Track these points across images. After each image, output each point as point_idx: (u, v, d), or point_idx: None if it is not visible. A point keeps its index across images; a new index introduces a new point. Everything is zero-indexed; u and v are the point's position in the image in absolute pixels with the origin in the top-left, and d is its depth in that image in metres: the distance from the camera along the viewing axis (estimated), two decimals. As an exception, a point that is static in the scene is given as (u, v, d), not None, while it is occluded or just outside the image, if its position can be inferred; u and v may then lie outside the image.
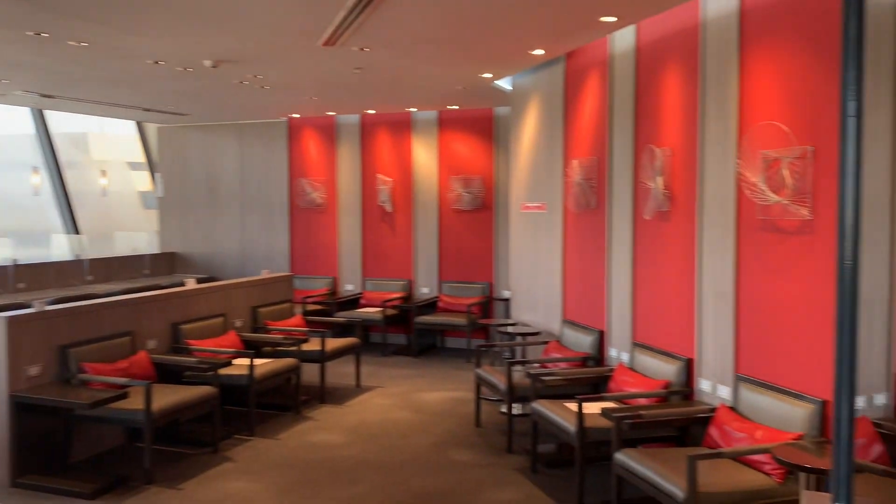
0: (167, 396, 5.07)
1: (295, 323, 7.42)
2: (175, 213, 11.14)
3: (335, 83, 7.47)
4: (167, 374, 5.70)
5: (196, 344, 6.17)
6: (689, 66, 4.84)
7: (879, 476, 3.31)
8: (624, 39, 5.61)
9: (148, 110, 9.45)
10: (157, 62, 6.41)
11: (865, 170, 3.73)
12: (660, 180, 5.11)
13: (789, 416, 3.85)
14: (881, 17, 3.74)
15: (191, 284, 6.82)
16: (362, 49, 5.82)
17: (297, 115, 10.08)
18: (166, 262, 11.03)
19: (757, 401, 4.12)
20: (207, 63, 6.37)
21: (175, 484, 4.84)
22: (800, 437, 3.68)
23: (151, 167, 12.01)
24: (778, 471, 3.64)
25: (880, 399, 3.86)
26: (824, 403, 3.71)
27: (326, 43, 5.58)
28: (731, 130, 4.42)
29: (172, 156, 11.11)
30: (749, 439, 3.89)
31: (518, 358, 6.64)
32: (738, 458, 3.82)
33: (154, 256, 10.92)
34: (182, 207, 11.08)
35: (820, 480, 3.37)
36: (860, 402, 3.80)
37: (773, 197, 4.02)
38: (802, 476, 3.23)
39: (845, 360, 1.74)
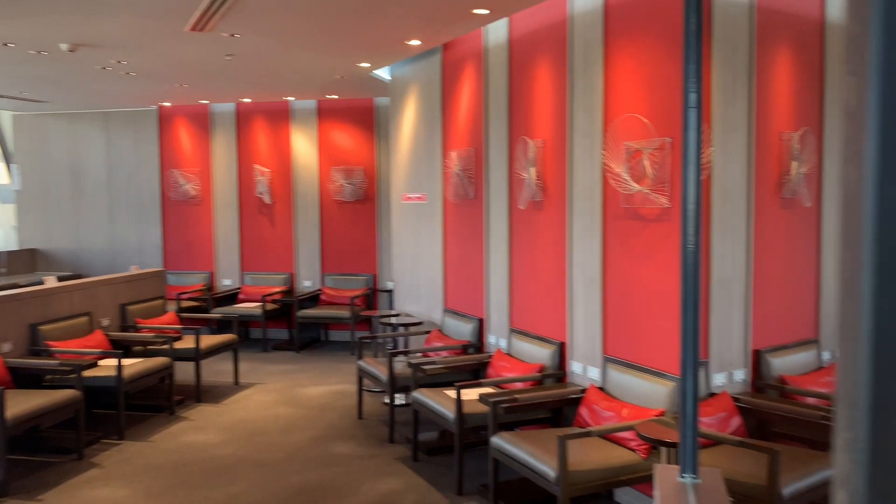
0: (23, 402, 4.74)
1: (168, 320, 7.12)
2: (35, 208, 10.42)
3: (206, 70, 7.19)
4: (26, 379, 5.33)
5: (58, 345, 5.80)
6: (559, 59, 4.99)
7: (735, 447, 3.55)
8: (497, 32, 5.71)
9: (0, 96, 8.76)
10: (5, 44, 5.95)
11: (724, 158, 3.98)
12: (533, 171, 5.24)
13: (652, 393, 4.06)
14: (737, 16, 3.99)
15: (51, 282, 6.39)
16: (232, 35, 5.63)
17: (168, 104, 9.64)
18: (26, 260, 10.30)
19: (623, 380, 4.32)
20: (64, 47, 5.97)
21: (33, 495, 4.54)
22: (662, 414, 3.89)
23: (7, 158, 11.16)
24: (643, 446, 3.84)
25: (739, 375, 4.14)
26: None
27: (194, 28, 5.36)
28: (597, 122, 4.59)
29: (31, 146, 10.37)
30: (616, 417, 4.08)
31: (401, 348, 6.67)
32: (606, 435, 4.00)
33: (11, 254, 10.17)
34: (43, 201, 10.37)
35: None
36: (721, 378, 4.06)
37: (636, 186, 4.22)
38: (663, 450, 3.41)
39: (689, 340, 1.84)
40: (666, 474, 1.89)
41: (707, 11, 3.90)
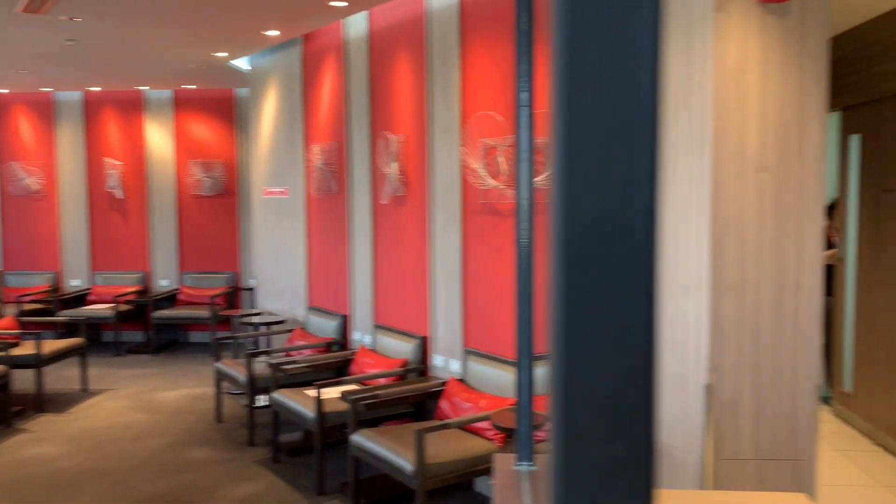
0: None
1: (5, 325, 6.57)
2: None
3: (46, 56, 6.68)
4: None
5: None
6: (418, 54, 5.01)
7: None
8: (357, 25, 5.66)
9: None
10: None
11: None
12: (395, 166, 5.24)
13: (509, 383, 4.16)
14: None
15: None
16: (72, 19, 5.26)
17: (6, 91, 8.89)
18: None
19: (482, 372, 4.40)
20: None
21: None
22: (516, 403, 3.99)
23: None
24: (498, 436, 3.93)
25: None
26: (537, 370, 4.06)
27: (27, 9, 4.95)
28: (455, 119, 4.65)
29: None
30: (475, 408, 4.15)
31: (263, 348, 6.49)
32: (466, 426, 4.06)
33: None
34: None
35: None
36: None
37: (491, 182, 4.31)
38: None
39: (524, 331, 1.89)
40: (503, 463, 1.93)
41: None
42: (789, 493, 2.22)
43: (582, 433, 0.38)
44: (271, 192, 7.12)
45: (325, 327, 6.04)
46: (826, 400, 5.97)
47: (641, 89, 0.36)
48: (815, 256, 2.97)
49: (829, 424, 5.50)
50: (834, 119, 5.82)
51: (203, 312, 8.25)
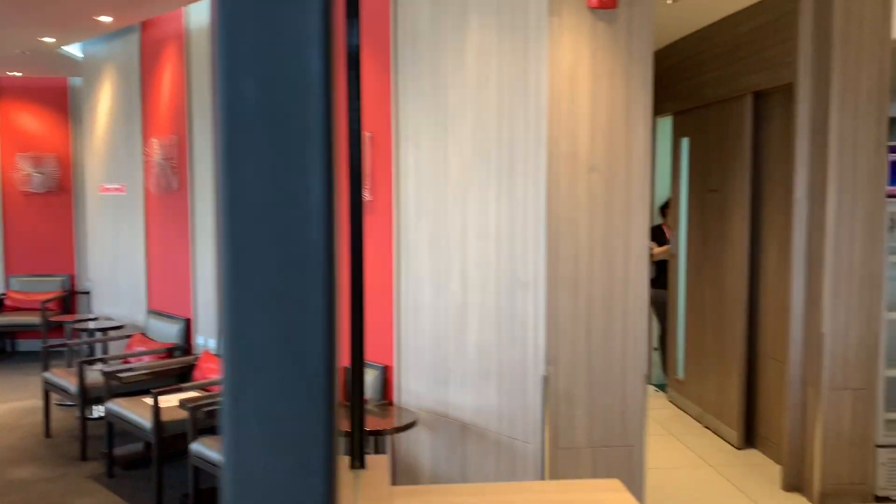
0: None
1: None
2: None
3: None
4: None
5: None
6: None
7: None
8: (199, 13, 5.40)
9: None
10: None
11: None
12: (240, 162, 5.04)
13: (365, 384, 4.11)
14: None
15: None
16: None
17: None
18: None
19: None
20: None
21: None
22: (366, 402, 3.95)
23: None
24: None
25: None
26: (386, 368, 4.04)
27: None
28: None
29: None
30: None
31: (100, 355, 6.07)
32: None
33: None
34: None
35: (378, 441, 3.68)
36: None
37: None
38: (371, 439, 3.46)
39: (355, 334, 1.86)
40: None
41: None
42: (604, 479, 2.33)
43: (253, 442, 0.36)
44: (107, 189, 6.67)
45: (167, 332, 5.73)
46: (662, 387, 6.37)
47: (311, 76, 0.33)
48: (642, 252, 3.13)
49: (664, 410, 5.87)
50: (667, 123, 6.21)
51: (33, 319, 7.60)
